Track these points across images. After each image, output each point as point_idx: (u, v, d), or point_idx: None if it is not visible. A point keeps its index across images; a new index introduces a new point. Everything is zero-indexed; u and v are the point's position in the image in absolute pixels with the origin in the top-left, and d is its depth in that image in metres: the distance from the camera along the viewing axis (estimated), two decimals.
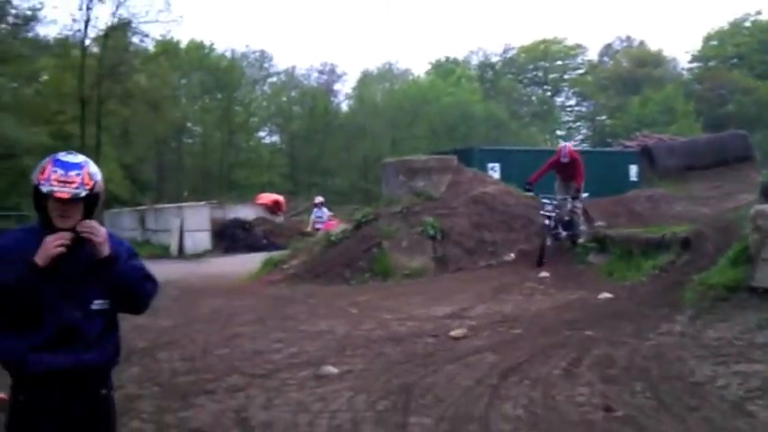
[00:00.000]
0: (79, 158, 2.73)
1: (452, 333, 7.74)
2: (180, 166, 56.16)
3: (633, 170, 22.76)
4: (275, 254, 16.09)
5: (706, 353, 6.33)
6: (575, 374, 5.89)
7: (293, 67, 65.29)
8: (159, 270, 2.97)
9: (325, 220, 19.94)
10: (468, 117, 57.13)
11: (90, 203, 2.72)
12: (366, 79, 66.58)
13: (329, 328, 8.58)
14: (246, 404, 5.54)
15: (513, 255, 13.30)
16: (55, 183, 2.61)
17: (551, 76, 68.99)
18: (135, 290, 2.83)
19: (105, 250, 2.70)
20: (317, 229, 19.25)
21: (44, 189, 2.60)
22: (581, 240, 12.15)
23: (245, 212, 28.81)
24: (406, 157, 19.32)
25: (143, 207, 32.85)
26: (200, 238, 24.76)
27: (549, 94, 69.59)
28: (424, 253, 13.45)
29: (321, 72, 65.59)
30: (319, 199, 20.93)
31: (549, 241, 12.24)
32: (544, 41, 67.82)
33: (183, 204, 28.08)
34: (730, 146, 21.71)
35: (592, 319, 8.08)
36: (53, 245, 2.61)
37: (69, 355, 2.66)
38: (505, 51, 69.05)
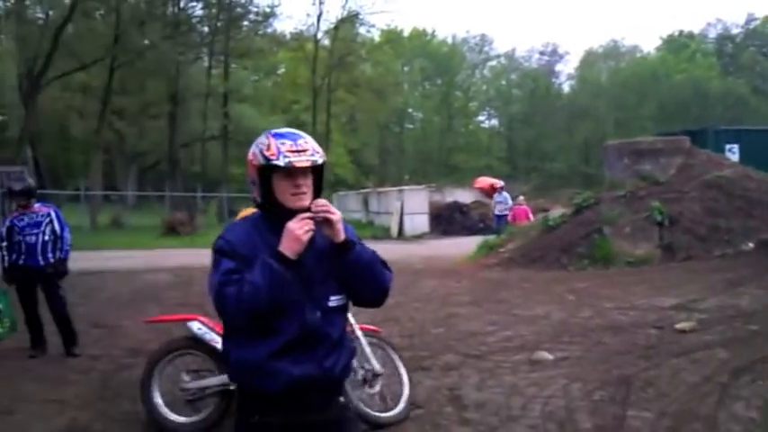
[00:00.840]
0: (293, 129, 2.40)
1: (678, 326, 7.25)
2: (401, 151, 58.17)
3: None
4: (491, 238, 16.13)
5: None
6: None
7: (513, 50, 64.83)
8: (382, 250, 2.89)
9: (507, 205, 19.60)
10: (703, 95, 52.82)
11: (318, 178, 2.35)
12: (590, 58, 64.13)
13: (545, 313, 8.46)
14: (460, 383, 5.65)
15: (751, 244, 12.12)
16: (289, 154, 2.24)
17: None
18: (375, 277, 2.38)
19: (342, 232, 2.28)
20: (497, 216, 18.95)
21: (282, 162, 2.22)
22: None
23: (463, 196, 29.14)
24: (632, 138, 18.31)
25: (366, 190, 34.52)
26: (418, 221, 25.53)
27: None
28: (649, 240, 12.71)
29: (542, 53, 64.39)
30: (500, 183, 20.93)
31: None
32: None
33: (404, 187, 29.07)
34: None
35: None
36: (302, 230, 2.20)
37: (312, 363, 2.26)
38: (748, 22, 62.61)
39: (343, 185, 43.52)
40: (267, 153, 2.26)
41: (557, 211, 15.62)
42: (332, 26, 39.74)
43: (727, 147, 18.52)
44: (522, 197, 20.70)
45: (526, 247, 13.67)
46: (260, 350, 2.23)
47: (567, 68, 72.72)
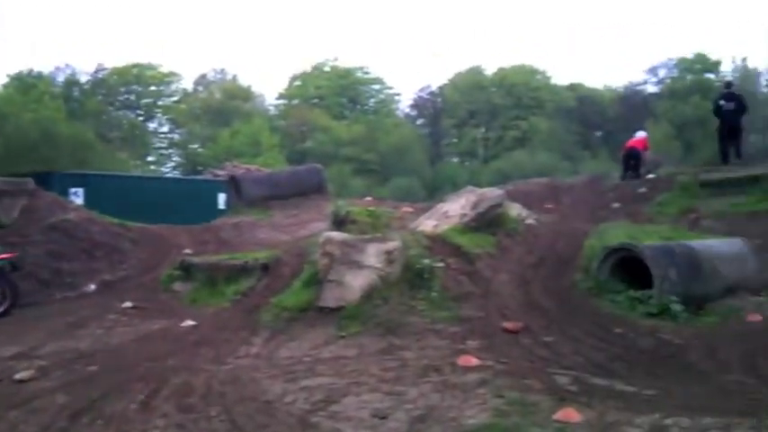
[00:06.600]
0: None
1: (18, 376, 6.96)
2: None
3: (222, 198, 23.30)
4: None
5: (278, 371, 6.75)
6: (151, 407, 5.75)
7: None
8: None
9: None
10: (51, 137, 52.61)
11: None
12: None
13: None
14: None
15: (93, 285, 12.57)
16: None
17: (144, 101, 67.85)
18: None
19: None
20: None
21: None
22: None
23: None
24: None
25: None
26: None
27: (141, 119, 68.11)
28: None
29: None
30: None
31: None
32: (138, 65, 66.52)
33: None
34: (307, 178, 23.07)
35: (173, 348, 8.03)
36: None
37: None
38: (97, 71, 65.63)
39: None
40: None
41: None
42: None
43: (72, 190, 18.92)
44: None
45: None
46: None
47: None
